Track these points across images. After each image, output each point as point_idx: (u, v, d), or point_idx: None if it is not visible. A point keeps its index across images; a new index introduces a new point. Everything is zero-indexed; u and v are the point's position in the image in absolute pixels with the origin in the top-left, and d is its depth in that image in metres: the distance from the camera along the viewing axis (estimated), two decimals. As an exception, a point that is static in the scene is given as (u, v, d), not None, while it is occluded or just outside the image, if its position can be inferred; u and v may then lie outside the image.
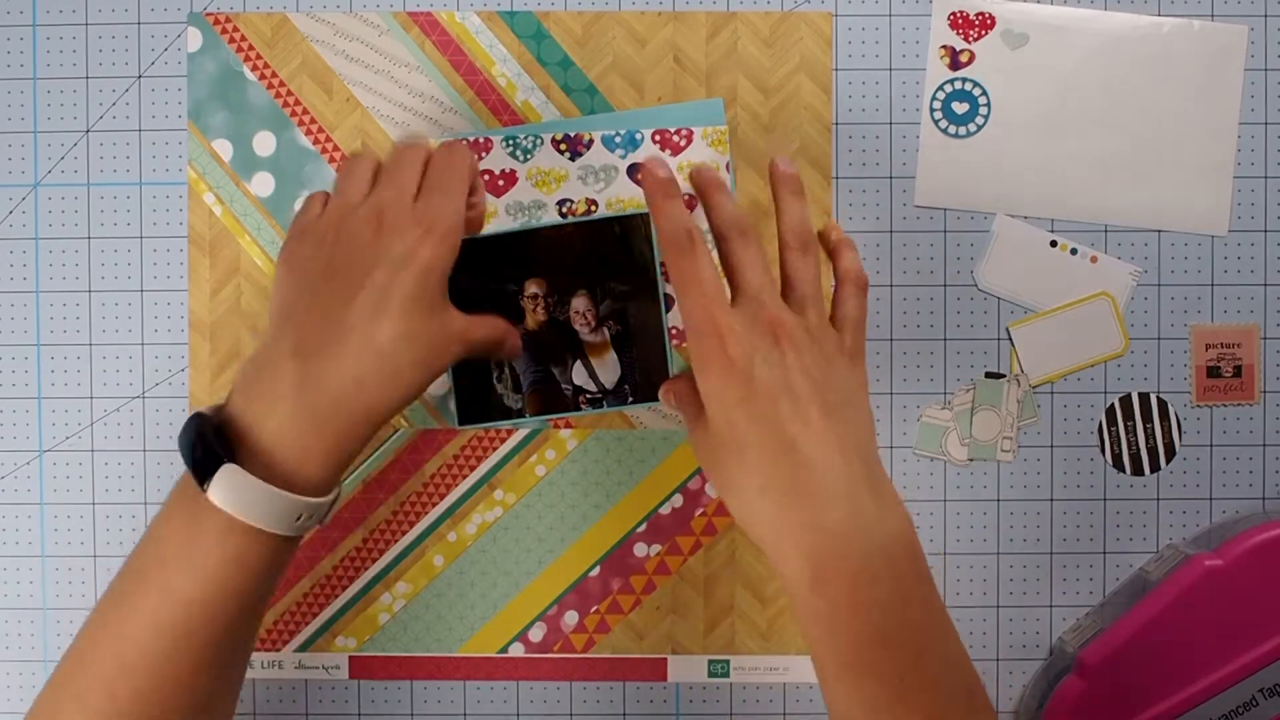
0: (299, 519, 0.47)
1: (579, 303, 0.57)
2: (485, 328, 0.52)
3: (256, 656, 0.62)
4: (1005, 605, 0.62)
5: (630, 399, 0.57)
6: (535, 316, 0.57)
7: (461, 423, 0.58)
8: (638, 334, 0.57)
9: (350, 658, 0.62)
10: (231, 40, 0.61)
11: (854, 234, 0.61)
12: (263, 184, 0.62)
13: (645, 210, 0.53)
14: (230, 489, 0.45)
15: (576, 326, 0.57)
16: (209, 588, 0.46)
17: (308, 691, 0.62)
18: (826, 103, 0.61)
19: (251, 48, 0.61)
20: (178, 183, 0.62)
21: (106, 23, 0.62)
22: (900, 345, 0.62)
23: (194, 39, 0.62)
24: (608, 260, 0.56)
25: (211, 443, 0.46)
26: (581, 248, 0.56)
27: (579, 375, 0.57)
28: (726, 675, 0.62)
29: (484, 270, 0.56)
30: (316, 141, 0.61)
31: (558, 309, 0.57)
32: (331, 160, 0.61)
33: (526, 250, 0.57)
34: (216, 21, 0.61)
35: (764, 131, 0.61)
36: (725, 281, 0.50)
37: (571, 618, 0.62)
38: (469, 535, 0.62)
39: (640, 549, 0.62)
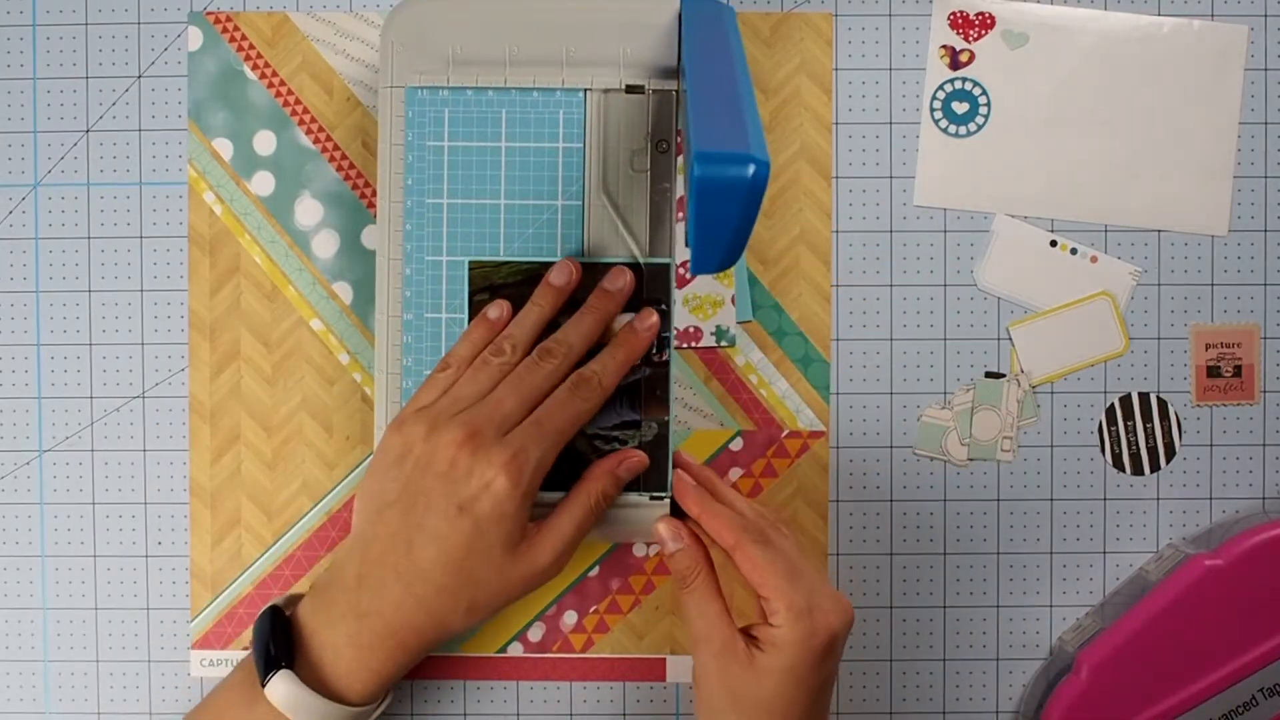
0: None
1: None
2: (574, 535, 0.53)
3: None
4: (1005, 605, 0.62)
5: None
6: None
7: None
8: None
9: (350, 657, 0.62)
10: (232, 39, 0.61)
11: (854, 234, 0.61)
12: (263, 183, 0.62)
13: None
14: (284, 691, 0.50)
15: None
16: None
17: (307, 691, 0.62)
18: (826, 103, 0.61)
19: (252, 47, 0.61)
20: (178, 182, 0.62)
21: (106, 23, 0.62)
22: (900, 345, 0.62)
23: (194, 38, 0.62)
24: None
25: (275, 644, 0.51)
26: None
27: None
28: (726, 675, 0.62)
29: None
30: (317, 141, 0.61)
31: None
32: (331, 159, 0.61)
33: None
34: (217, 21, 0.61)
35: (764, 131, 0.61)
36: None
37: (570, 617, 0.62)
38: (469, 535, 0.62)
39: (639, 549, 0.62)
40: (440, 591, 0.50)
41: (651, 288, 0.55)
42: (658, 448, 0.55)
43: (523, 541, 0.51)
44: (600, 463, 0.54)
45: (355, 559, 0.52)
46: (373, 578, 0.51)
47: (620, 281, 0.55)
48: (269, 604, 0.53)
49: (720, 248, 0.45)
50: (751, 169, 0.43)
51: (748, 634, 0.52)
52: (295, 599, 0.54)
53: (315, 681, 0.51)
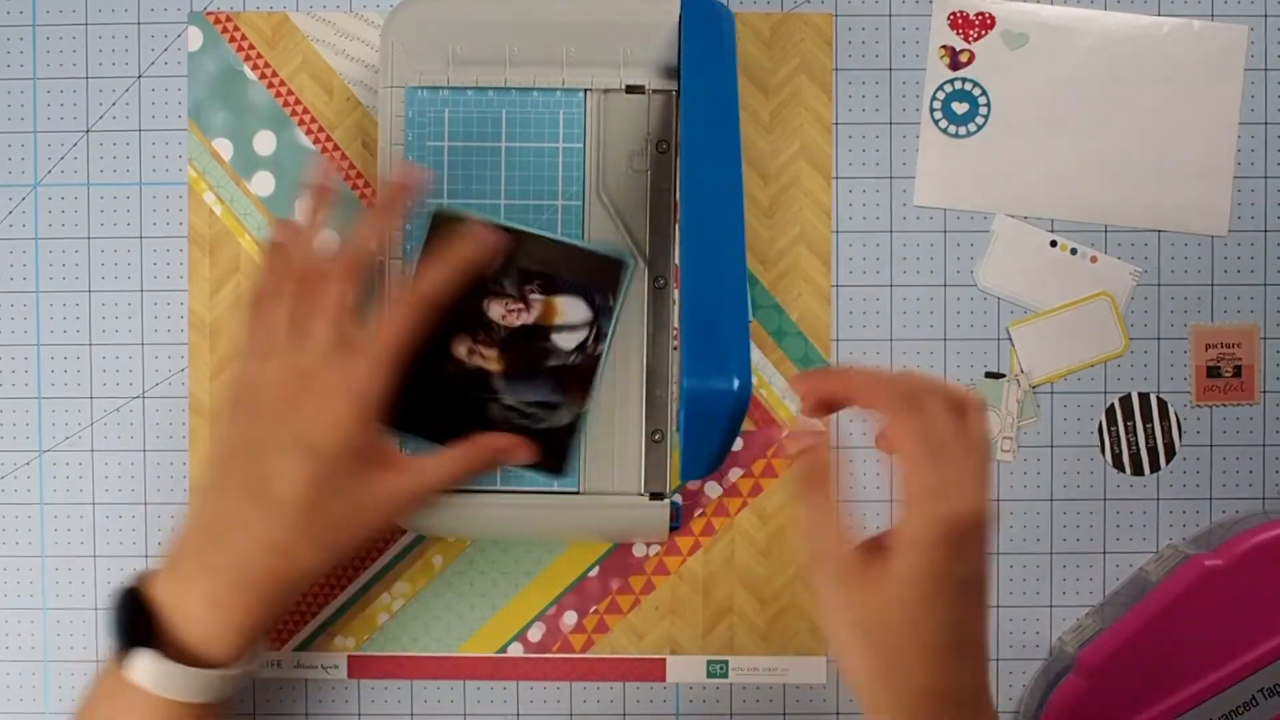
0: (213, 687, 0.50)
1: None
2: (438, 478, 0.51)
3: (256, 656, 0.62)
4: (1005, 605, 0.62)
5: None
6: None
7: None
8: None
9: (349, 657, 0.62)
10: (232, 39, 0.61)
11: (854, 234, 0.61)
12: (263, 183, 0.62)
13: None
14: (144, 669, 0.48)
15: None
16: None
17: (306, 691, 0.62)
18: (826, 103, 0.61)
19: (252, 47, 0.61)
20: (178, 183, 0.62)
21: (106, 23, 0.62)
22: (900, 345, 0.62)
23: (194, 38, 0.62)
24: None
25: (127, 624, 0.49)
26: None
27: None
28: (725, 676, 0.62)
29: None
30: (317, 141, 0.61)
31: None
32: (331, 159, 0.61)
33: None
34: (217, 21, 0.62)
35: (764, 131, 0.61)
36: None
37: (570, 618, 0.62)
38: (468, 535, 0.62)
39: (639, 549, 0.62)
40: (294, 533, 0.49)
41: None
42: (568, 434, 0.55)
43: (379, 463, 0.50)
44: (497, 435, 0.53)
45: (198, 517, 0.51)
46: (220, 530, 0.50)
47: (403, 182, 0.53)
48: (121, 585, 0.51)
49: (705, 460, 0.49)
50: (736, 383, 0.46)
51: (873, 547, 0.46)
52: (154, 575, 0.51)
53: (178, 652, 0.49)
